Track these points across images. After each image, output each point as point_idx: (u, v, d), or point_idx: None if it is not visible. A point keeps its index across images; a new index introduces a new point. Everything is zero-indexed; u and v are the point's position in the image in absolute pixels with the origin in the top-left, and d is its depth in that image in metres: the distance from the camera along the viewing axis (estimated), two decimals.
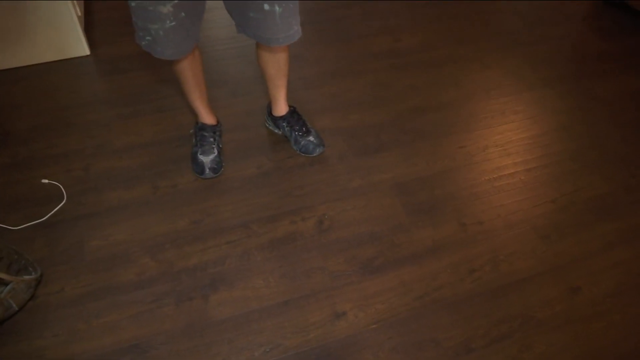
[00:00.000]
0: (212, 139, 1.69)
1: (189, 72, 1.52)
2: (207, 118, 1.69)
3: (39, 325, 1.30)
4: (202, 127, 1.69)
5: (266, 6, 1.31)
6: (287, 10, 1.35)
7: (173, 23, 1.28)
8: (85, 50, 2.17)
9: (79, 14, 2.15)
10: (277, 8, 1.32)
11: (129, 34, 2.32)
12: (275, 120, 1.78)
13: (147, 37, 1.33)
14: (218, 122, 1.73)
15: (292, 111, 1.76)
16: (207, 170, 1.65)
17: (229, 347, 1.27)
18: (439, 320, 1.33)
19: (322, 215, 1.57)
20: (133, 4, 1.26)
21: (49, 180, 1.65)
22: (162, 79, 2.08)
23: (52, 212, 1.56)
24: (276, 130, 1.83)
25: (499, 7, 2.58)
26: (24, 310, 1.32)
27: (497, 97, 2.03)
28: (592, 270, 1.45)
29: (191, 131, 1.78)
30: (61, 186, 1.64)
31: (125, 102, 1.96)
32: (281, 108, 1.74)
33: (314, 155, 1.75)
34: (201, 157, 1.66)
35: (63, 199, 1.60)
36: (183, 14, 1.29)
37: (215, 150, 1.68)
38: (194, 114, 1.89)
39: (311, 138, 1.75)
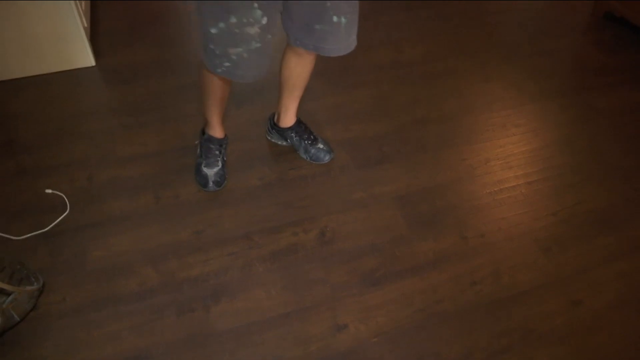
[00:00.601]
0: (217, 152, 1.69)
1: (219, 86, 1.50)
2: (218, 131, 1.69)
3: (41, 335, 1.30)
4: (209, 139, 1.69)
5: (335, 18, 1.33)
6: (351, 21, 1.37)
7: (258, 45, 1.28)
8: (91, 61, 2.20)
9: (85, 25, 2.18)
10: (343, 19, 1.34)
11: (134, 44, 2.34)
12: (282, 131, 1.79)
13: (226, 64, 1.31)
14: (225, 135, 1.74)
15: (299, 121, 1.78)
16: (211, 183, 1.65)
17: (229, 358, 1.27)
18: (440, 333, 1.33)
19: (323, 226, 1.58)
20: (214, 30, 1.23)
21: (52, 190, 1.66)
22: (166, 89, 2.09)
23: (55, 222, 1.56)
24: (280, 142, 1.83)
25: (501, 20, 2.60)
26: (25, 320, 1.33)
27: (499, 109, 2.04)
28: (593, 283, 1.45)
29: (196, 142, 1.78)
30: (64, 196, 1.64)
31: (130, 112, 1.98)
32: (290, 119, 1.76)
33: (325, 162, 1.76)
34: (205, 170, 1.66)
35: (66, 209, 1.61)
36: (269, 35, 1.29)
37: (220, 163, 1.68)
38: (200, 124, 1.89)
39: (320, 145, 1.77)
